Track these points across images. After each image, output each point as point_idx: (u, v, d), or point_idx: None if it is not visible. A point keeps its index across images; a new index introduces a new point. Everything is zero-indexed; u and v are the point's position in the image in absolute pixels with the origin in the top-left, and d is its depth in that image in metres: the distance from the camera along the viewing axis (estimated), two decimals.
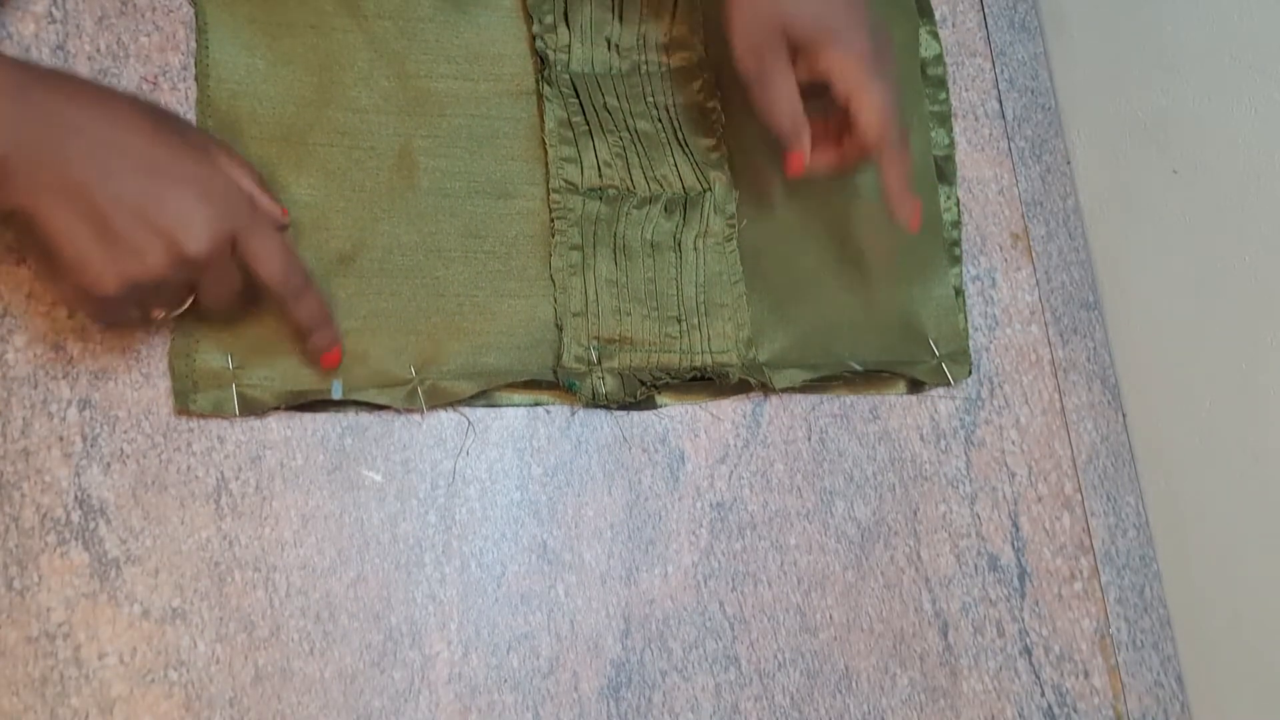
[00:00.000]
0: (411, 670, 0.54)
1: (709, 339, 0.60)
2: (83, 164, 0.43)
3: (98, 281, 0.44)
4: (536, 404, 0.59)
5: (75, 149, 0.43)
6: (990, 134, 0.71)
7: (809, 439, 0.62)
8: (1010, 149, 0.71)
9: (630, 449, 0.59)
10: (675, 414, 0.60)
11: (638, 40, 0.64)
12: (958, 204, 0.67)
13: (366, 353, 0.56)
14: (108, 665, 0.51)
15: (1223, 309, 0.61)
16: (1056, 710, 0.60)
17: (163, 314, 0.49)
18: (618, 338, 0.59)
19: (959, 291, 0.66)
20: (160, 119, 0.48)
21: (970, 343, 0.65)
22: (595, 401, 0.58)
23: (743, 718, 0.57)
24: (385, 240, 0.58)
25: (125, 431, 0.53)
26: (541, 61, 0.62)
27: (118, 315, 0.47)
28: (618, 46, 0.64)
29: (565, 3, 0.63)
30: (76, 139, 0.43)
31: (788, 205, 0.64)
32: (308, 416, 0.56)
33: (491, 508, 0.57)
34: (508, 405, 0.58)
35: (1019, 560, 0.62)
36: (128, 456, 0.53)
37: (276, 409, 0.55)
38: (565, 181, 0.61)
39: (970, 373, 0.64)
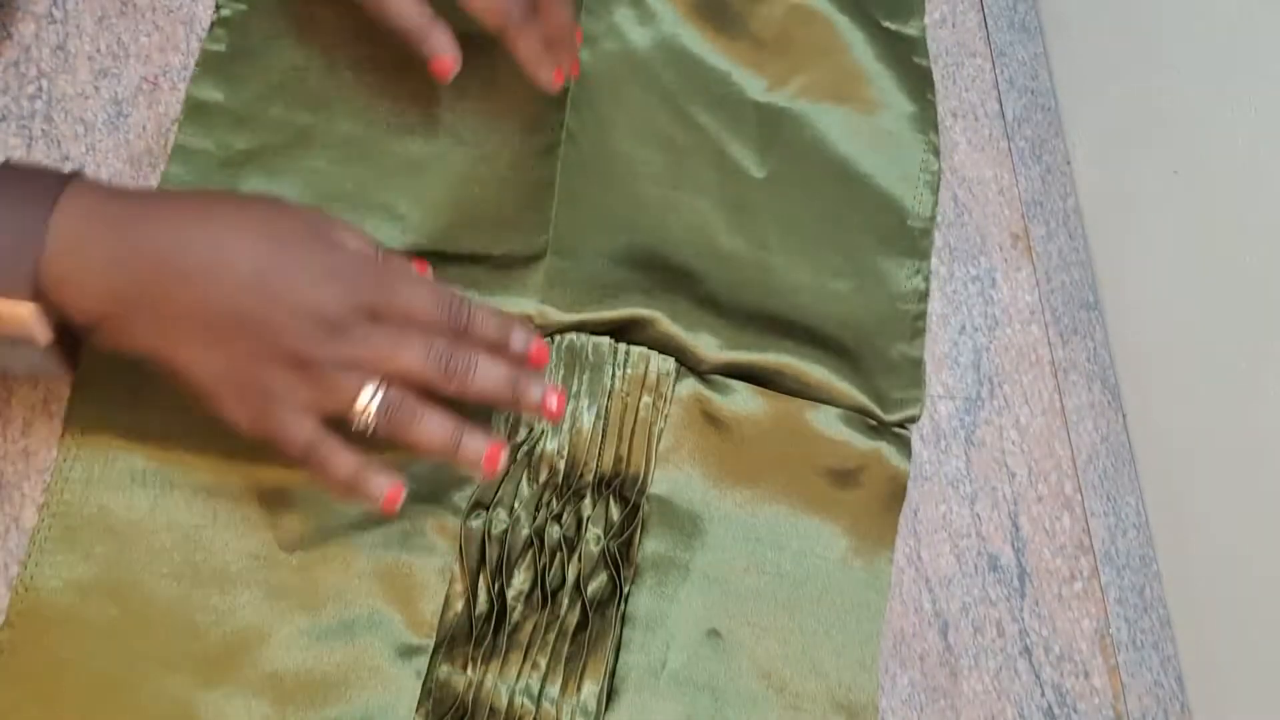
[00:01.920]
0: None
1: None
2: (192, 295, 0.41)
3: (240, 402, 0.43)
4: None
5: (181, 282, 0.42)
6: (990, 134, 0.71)
7: None
8: (1010, 149, 0.71)
9: None
10: None
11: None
12: (927, 278, 0.64)
13: None
14: None
15: (1223, 309, 0.61)
16: (1056, 710, 0.60)
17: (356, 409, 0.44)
18: None
19: (918, 363, 0.63)
20: (262, 217, 0.44)
21: (970, 343, 0.65)
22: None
23: None
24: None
25: None
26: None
27: (294, 433, 0.43)
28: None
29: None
30: (180, 272, 0.42)
31: None
32: None
33: None
34: None
35: (1019, 560, 0.62)
36: None
37: None
38: None
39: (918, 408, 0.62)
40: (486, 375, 0.45)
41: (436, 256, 0.56)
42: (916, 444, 0.63)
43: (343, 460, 0.44)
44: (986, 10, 0.74)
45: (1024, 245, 0.69)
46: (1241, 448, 0.60)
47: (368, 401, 0.43)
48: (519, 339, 0.48)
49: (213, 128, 0.57)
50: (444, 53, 0.53)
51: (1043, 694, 0.60)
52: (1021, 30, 0.75)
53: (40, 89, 0.56)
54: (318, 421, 0.44)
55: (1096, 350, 0.68)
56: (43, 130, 0.56)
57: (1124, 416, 0.68)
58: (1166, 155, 0.65)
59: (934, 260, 0.67)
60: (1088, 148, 0.72)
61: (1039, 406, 0.66)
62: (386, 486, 0.45)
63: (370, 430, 0.44)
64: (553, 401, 0.48)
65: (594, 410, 0.57)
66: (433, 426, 0.45)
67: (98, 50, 0.58)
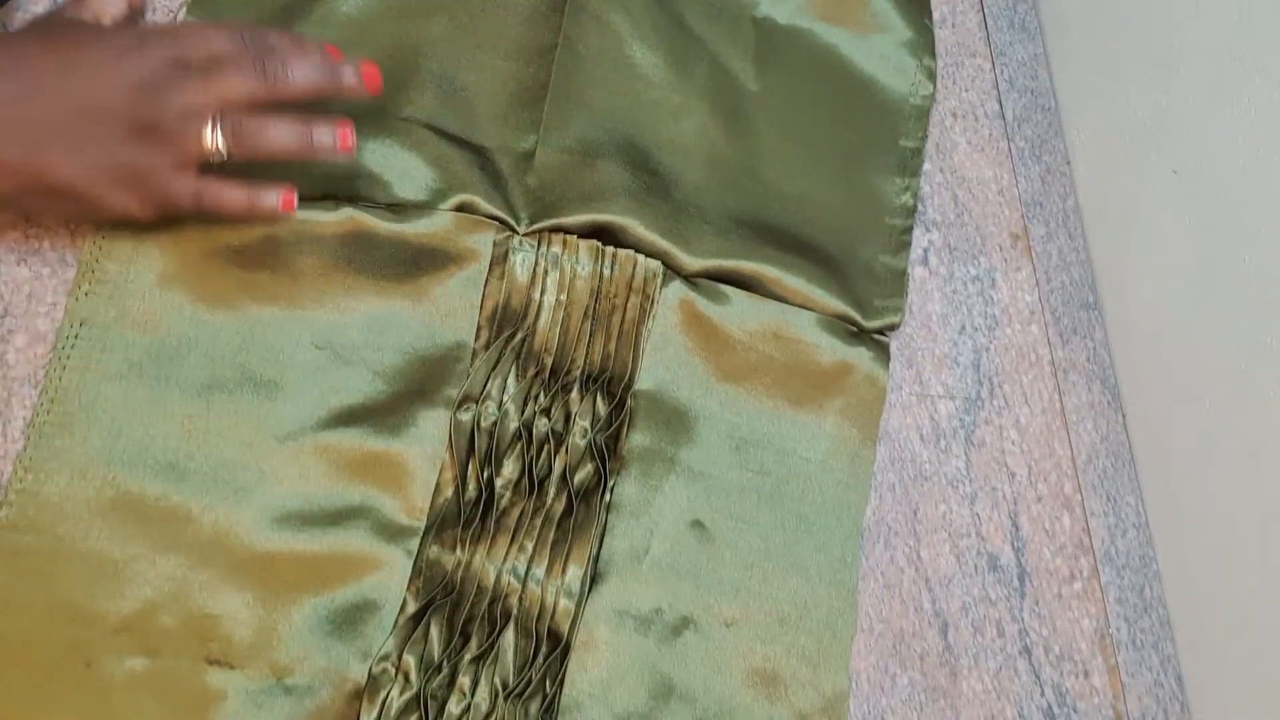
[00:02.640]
0: None
1: None
2: (37, 116, 0.47)
3: (122, 189, 0.48)
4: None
5: (25, 109, 0.47)
6: (990, 134, 0.71)
7: None
8: (1010, 149, 0.71)
9: None
10: None
11: None
12: (915, 195, 0.67)
13: None
14: None
15: (1223, 309, 0.61)
16: (1056, 710, 0.60)
17: (200, 139, 0.49)
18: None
19: (901, 274, 0.65)
20: (64, 39, 0.49)
21: (970, 343, 0.65)
22: None
23: None
24: None
25: None
26: None
27: (177, 190, 0.49)
28: None
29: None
30: (22, 103, 0.47)
31: None
32: None
33: None
34: None
35: (1019, 560, 0.62)
36: None
37: None
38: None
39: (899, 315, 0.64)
40: (301, 68, 0.51)
41: (426, 130, 0.59)
42: (916, 444, 0.63)
43: (231, 192, 0.50)
44: (986, 10, 0.74)
45: (1024, 245, 0.69)
46: (1241, 448, 0.60)
47: (210, 134, 0.48)
48: (312, 44, 0.53)
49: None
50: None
51: (1042, 694, 0.60)
52: (1021, 30, 0.75)
53: None
54: (192, 174, 0.49)
55: (1096, 350, 0.68)
56: None
57: (1124, 416, 0.68)
58: (1166, 155, 0.65)
59: (934, 260, 0.67)
60: (1088, 148, 0.72)
61: (1039, 406, 0.66)
62: (279, 195, 0.51)
63: (227, 156, 0.49)
64: (369, 70, 0.52)
65: (583, 309, 0.58)
66: (282, 131, 0.50)
67: None
